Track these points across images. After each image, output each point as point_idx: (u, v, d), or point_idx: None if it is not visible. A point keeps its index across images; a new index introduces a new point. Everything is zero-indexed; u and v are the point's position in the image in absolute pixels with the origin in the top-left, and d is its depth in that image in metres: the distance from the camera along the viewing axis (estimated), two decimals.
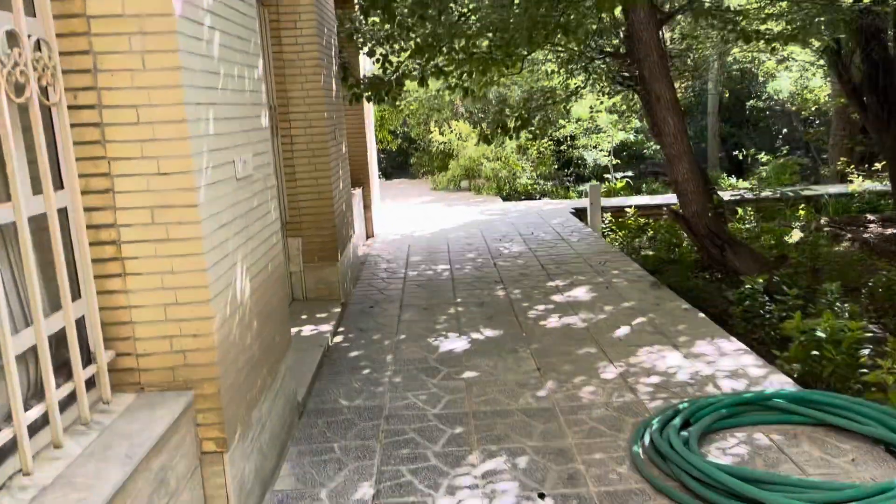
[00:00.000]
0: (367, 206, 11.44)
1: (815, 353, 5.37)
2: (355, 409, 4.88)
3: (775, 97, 20.23)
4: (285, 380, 4.51)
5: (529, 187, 16.23)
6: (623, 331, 6.25)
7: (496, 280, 8.33)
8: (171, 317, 3.02)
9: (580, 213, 13.22)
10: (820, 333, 5.41)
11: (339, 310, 7.03)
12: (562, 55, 9.92)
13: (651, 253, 11.20)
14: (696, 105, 20.93)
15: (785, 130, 20.95)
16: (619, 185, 16.73)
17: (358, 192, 10.79)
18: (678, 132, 7.72)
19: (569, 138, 18.09)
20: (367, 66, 11.37)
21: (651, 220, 12.26)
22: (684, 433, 4.02)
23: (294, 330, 6.33)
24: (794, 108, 19.58)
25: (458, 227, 12.17)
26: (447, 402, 4.91)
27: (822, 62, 20.10)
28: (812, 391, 4.50)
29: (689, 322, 6.40)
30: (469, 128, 17.01)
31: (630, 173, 17.56)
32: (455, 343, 6.15)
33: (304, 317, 6.77)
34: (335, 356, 5.96)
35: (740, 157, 18.58)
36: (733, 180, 17.73)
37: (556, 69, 10.38)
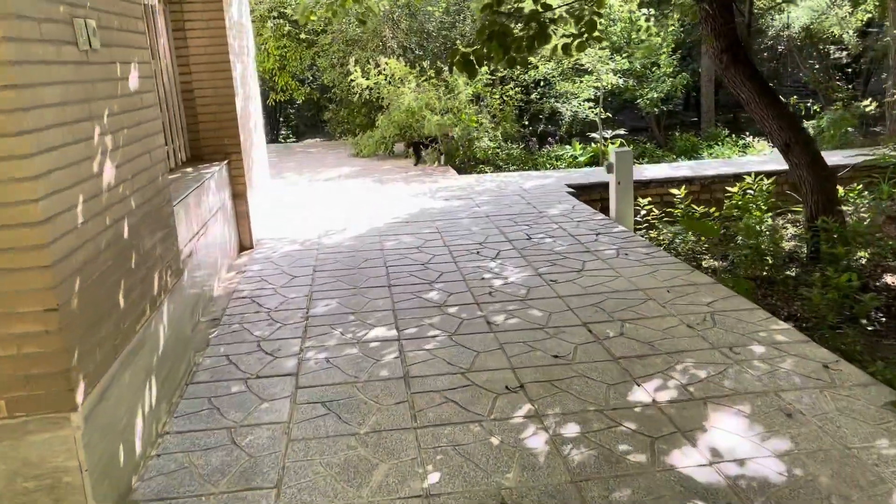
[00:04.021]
0: (238, 195, 6.50)
1: None
2: None
3: (784, 31, 16.07)
4: None
5: (492, 153, 11.50)
6: None
7: (506, 379, 3.67)
8: None
9: (581, 193, 8.67)
10: None
11: None
12: None
13: (718, 264, 6.79)
14: (691, 43, 16.54)
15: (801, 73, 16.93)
16: (611, 146, 12.25)
17: (217, 170, 5.84)
18: None
19: (541, 83, 13.36)
20: None
21: (706, 206, 7.80)
22: None
23: None
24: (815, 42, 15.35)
25: (398, 225, 7.39)
26: None
27: None
28: None
29: None
30: (405, 67, 12.00)
31: (622, 131, 13.02)
32: None
33: None
34: None
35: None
36: (748, 140, 13.54)
37: None
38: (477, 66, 4.41)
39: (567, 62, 12.51)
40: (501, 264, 5.75)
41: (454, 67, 4.62)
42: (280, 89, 15.29)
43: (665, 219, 7.48)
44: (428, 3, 13.54)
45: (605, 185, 8.88)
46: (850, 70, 18.30)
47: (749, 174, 8.07)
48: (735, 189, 7.54)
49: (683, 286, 5.00)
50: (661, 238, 7.26)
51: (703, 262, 6.99)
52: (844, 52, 18.10)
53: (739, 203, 7.35)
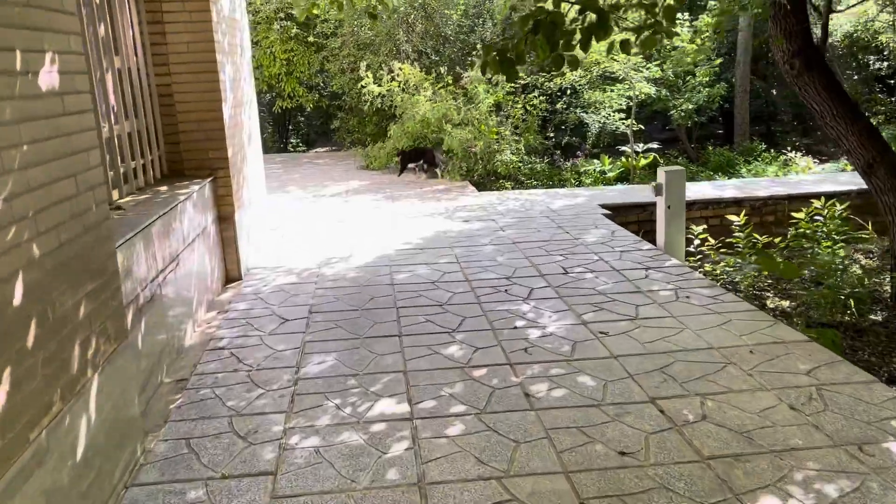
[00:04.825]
0: (224, 218, 5.55)
1: None
2: None
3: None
4: None
5: (514, 167, 10.53)
6: None
7: (559, 492, 2.68)
8: None
9: (616, 215, 7.67)
10: None
11: None
12: None
13: (786, 303, 5.78)
14: (725, 50, 15.48)
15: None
16: (643, 161, 11.25)
17: (198, 189, 4.89)
18: None
19: (568, 92, 12.37)
20: None
21: (760, 232, 6.78)
22: None
23: None
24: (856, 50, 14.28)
25: (411, 252, 6.42)
26: None
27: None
28: None
29: None
30: (420, 73, 11.07)
31: (655, 144, 11.99)
32: None
33: None
34: None
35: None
36: (789, 155, 12.51)
37: None
38: (517, 66, 3.44)
39: (597, 69, 11.49)
40: (536, 308, 4.75)
41: (486, 68, 3.65)
42: (287, 96, 14.40)
43: (722, 249, 6.46)
44: (446, 5, 12.61)
45: (643, 207, 7.92)
46: (891, 81, 17.21)
47: (815, 196, 7.06)
48: (801, 214, 6.52)
49: (769, 345, 3.99)
50: (718, 272, 6.24)
51: (768, 301, 5.98)
52: (885, 63, 17.03)
53: (807, 232, 6.33)
